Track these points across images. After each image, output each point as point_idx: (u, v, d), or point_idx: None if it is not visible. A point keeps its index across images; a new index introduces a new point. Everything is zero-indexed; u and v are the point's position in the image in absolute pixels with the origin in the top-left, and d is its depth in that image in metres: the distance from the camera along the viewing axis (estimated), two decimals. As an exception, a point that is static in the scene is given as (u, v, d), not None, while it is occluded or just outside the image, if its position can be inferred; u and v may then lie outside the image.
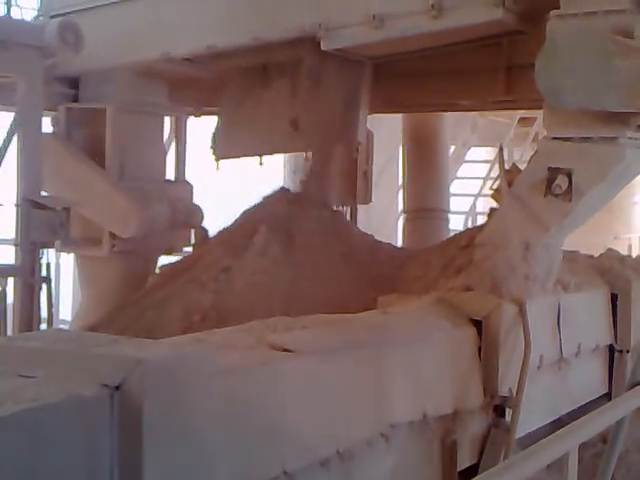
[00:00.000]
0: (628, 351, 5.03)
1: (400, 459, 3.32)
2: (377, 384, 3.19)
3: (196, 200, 6.65)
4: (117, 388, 2.03)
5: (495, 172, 10.54)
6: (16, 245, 5.06)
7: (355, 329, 3.37)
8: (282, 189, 5.77)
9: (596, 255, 5.48)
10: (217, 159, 6.14)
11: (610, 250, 5.70)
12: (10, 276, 5.10)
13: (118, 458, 2.01)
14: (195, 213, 6.38)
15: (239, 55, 5.60)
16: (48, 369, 2.11)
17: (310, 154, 5.93)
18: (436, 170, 8.14)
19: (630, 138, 4.09)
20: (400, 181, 9.23)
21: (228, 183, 11.61)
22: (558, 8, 4.03)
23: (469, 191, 13.56)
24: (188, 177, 6.72)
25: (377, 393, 3.18)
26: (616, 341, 5.05)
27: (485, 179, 13.43)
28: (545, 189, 4.14)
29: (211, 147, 6.15)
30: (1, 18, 5.42)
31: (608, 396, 5.00)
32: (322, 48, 5.12)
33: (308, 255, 5.04)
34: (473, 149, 14.53)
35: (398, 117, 8.26)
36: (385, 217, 11.77)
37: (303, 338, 3.05)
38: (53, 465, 1.89)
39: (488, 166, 13.79)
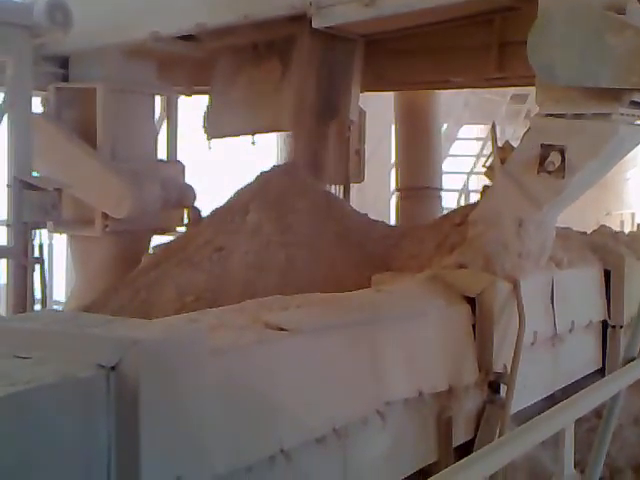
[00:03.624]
0: (621, 327, 5.06)
1: (396, 436, 3.33)
2: (372, 362, 3.20)
3: (188, 180, 6.63)
4: (113, 369, 2.03)
5: (488, 149, 10.52)
6: (8, 226, 5.04)
7: (350, 307, 3.37)
8: (275, 167, 5.74)
9: (589, 232, 5.50)
10: (209, 138, 6.11)
11: (603, 226, 5.70)
12: (3, 257, 5.09)
13: (115, 439, 2.01)
14: (187, 193, 6.36)
15: (229, 33, 5.56)
16: (43, 350, 2.10)
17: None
18: (429, 148, 8.13)
19: (623, 114, 4.08)
20: (393, 159, 9.21)
21: (220, 162, 11.59)
22: (551, -16, 4.00)
23: (462, 169, 13.57)
24: (180, 157, 6.69)
25: (372, 371, 3.19)
26: (609, 317, 5.07)
27: (478, 156, 13.44)
28: (538, 166, 4.13)
29: (203, 126, 6.11)
30: (-11, -2, 5.36)
31: (602, 371, 5.03)
32: (313, 26, 5.09)
33: (302, 234, 5.03)
34: (465, 127, 14.54)
35: (390, 95, 8.23)
36: (378, 196, 11.77)
37: (298, 317, 3.05)
38: (49, 447, 1.89)
39: (481, 143, 13.80)
